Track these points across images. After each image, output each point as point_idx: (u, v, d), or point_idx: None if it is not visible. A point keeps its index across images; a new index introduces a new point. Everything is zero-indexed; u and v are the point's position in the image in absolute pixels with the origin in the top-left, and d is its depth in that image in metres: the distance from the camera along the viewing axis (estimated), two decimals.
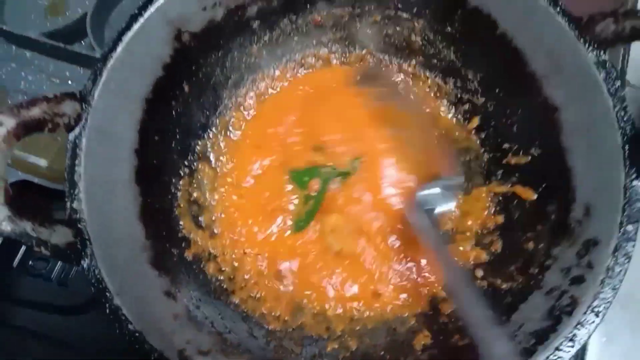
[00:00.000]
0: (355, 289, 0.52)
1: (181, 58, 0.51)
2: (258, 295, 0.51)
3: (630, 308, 0.51)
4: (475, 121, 0.57)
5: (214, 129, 0.58)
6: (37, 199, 0.54)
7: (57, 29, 0.70)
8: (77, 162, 0.41)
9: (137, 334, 0.37)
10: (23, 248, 0.59)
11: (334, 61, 0.62)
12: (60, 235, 0.38)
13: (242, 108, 0.60)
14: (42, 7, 0.75)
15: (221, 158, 0.58)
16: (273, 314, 0.50)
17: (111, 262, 0.39)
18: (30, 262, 0.59)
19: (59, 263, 0.59)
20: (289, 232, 0.54)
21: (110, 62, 0.45)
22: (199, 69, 0.54)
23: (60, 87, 0.69)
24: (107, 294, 0.38)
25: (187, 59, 0.52)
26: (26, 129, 0.39)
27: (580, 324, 0.37)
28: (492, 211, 0.54)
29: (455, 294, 0.45)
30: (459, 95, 0.58)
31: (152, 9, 0.47)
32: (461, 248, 0.53)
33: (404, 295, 0.52)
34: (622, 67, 0.67)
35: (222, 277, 0.51)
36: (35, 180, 0.59)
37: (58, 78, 0.70)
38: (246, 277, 0.53)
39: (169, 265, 0.46)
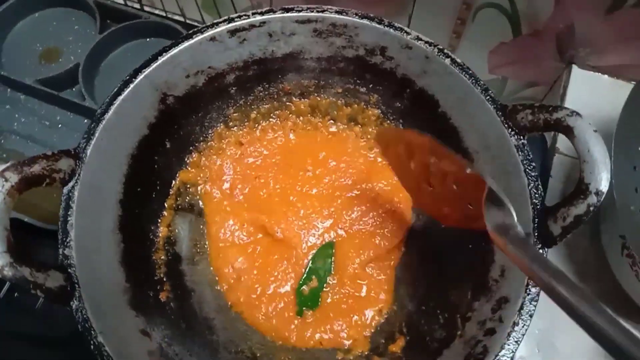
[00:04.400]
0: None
1: (165, 118, 0.57)
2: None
3: (544, 349, 0.60)
4: None
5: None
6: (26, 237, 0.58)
7: (50, 76, 0.75)
8: (69, 212, 0.46)
9: None
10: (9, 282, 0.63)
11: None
12: (54, 280, 0.43)
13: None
14: (37, 53, 0.81)
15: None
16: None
17: (96, 303, 0.44)
18: (15, 294, 0.63)
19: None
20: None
21: (103, 123, 0.50)
22: (180, 128, 0.60)
23: (50, 129, 0.75)
24: (92, 332, 0.43)
25: (170, 120, 0.58)
26: (27, 184, 0.44)
27: None
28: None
29: None
30: None
31: (141, 76, 0.53)
32: None
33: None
34: (554, 136, 0.76)
35: None
36: (25, 219, 0.63)
37: (48, 121, 0.75)
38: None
39: (144, 307, 0.51)
